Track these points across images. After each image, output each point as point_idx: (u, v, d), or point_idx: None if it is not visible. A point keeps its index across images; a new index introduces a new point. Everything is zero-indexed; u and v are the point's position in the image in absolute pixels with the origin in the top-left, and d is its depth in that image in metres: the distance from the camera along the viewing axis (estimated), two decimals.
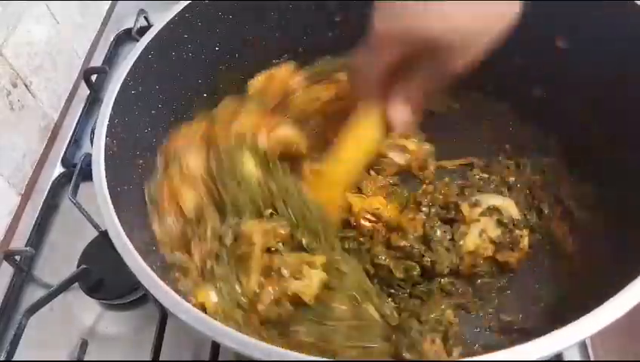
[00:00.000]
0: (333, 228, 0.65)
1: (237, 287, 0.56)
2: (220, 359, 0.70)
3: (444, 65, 0.50)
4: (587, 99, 0.67)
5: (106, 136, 0.59)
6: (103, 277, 0.80)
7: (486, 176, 0.78)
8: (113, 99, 0.62)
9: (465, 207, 0.69)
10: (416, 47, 0.49)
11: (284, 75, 0.75)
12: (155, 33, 0.69)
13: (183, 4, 0.71)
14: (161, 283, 0.47)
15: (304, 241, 0.60)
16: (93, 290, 0.79)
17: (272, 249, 0.59)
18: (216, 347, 0.71)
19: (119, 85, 0.63)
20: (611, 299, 0.41)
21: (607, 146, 0.65)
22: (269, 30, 0.84)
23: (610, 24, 0.61)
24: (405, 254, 0.68)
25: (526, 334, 0.51)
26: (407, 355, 0.56)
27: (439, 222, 0.70)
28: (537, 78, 0.72)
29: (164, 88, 0.72)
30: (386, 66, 0.53)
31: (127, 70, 0.65)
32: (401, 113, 0.56)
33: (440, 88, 0.54)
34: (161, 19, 0.70)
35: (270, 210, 0.62)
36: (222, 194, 0.62)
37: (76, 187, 0.89)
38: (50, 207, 0.94)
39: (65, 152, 1.01)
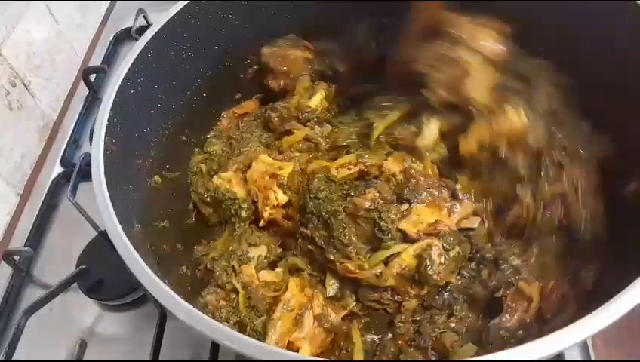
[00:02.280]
0: None
1: None
2: (219, 359, 0.70)
3: None
4: (581, 97, 0.67)
5: (105, 136, 0.59)
6: (102, 277, 0.79)
7: None
8: (112, 98, 0.62)
9: None
10: None
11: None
12: (154, 32, 0.69)
13: (182, 4, 0.71)
14: (161, 283, 0.47)
15: None
16: (92, 291, 0.79)
17: None
18: (216, 347, 0.71)
19: (118, 85, 0.63)
20: (612, 300, 0.41)
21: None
22: (269, 30, 0.84)
23: (611, 24, 0.61)
24: None
25: None
26: None
27: None
28: None
29: (164, 88, 0.72)
30: None
31: (127, 69, 0.65)
32: None
33: None
34: (160, 19, 0.70)
35: None
36: None
37: (75, 187, 0.89)
38: (49, 207, 0.93)
39: (64, 152, 1.00)
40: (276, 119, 0.82)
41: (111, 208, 0.53)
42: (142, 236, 0.60)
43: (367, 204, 0.64)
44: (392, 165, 0.70)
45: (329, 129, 0.82)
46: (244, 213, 0.75)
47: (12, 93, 0.94)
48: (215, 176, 0.77)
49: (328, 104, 0.84)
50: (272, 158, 0.76)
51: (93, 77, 1.10)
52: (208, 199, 0.76)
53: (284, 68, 0.84)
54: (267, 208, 0.73)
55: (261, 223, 0.74)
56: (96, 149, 0.58)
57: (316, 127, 0.82)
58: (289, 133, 0.82)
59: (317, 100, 0.83)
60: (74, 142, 1.02)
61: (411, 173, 0.68)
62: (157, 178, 0.72)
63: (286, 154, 0.79)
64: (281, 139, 0.82)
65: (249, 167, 0.77)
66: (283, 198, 0.73)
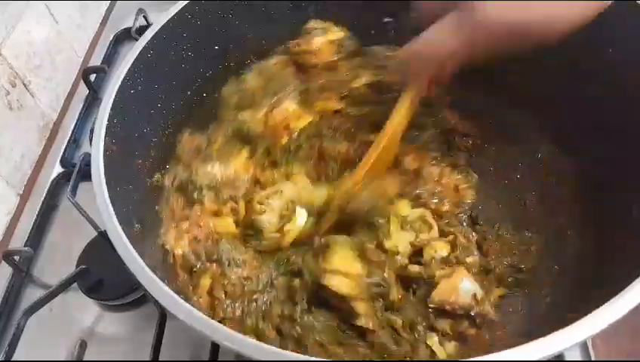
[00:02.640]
0: None
1: None
2: (219, 359, 0.70)
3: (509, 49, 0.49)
4: (582, 97, 0.67)
5: (105, 136, 0.59)
6: (102, 277, 0.79)
7: None
8: (112, 98, 0.62)
9: None
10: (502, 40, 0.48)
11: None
12: (154, 32, 0.69)
13: (182, 4, 0.71)
14: (161, 283, 0.47)
15: None
16: (92, 291, 0.79)
17: None
18: (216, 347, 0.71)
19: (118, 85, 0.63)
20: (612, 300, 0.41)
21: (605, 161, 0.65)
22: (269, 30, 0.84)
23: (611, 24, 0.61)
24: None
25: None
26: None
27: None
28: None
29: (164, 88, 0.72)
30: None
31: (127, 69, 0.65)
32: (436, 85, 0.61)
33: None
34: (160, 19, 0.70)
35: None
36: None
37: (75, 187, 0.89)
38: (49, 207, 0.93)
39: (64, 152, 1.00)
40: (316, 86, 0.83)
41: (111, 208, 0.53)
42: (142, 236, 0.60)
43: (332, 153, 0.73)
44: (411, 162, 0.75)
45: (364, 111, 0.82)
46: (260, 149, 0.79)
47: (12, 93, 0.94)
48: (242, 112, 0.79)
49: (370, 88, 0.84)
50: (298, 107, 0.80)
51: (93, 77, 1.10)
52: (230, 132, 0.78)
53: (313, 60, 0.83)
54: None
55: (266, 163, 0.78)
56: (96, 149, 0.58)
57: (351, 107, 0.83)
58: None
59: (359, 83, 0.83)
60: (74, 142, 1.02)
61: (423, 174, 0.70)
62: (157, 178, 0.72)
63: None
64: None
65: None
66: None
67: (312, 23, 0.84)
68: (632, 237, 0.57)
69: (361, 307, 0.60)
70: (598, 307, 0.41)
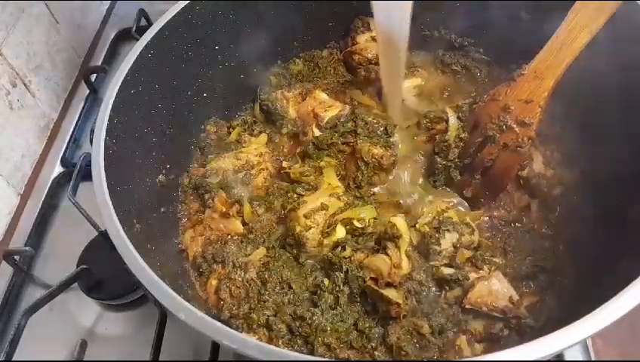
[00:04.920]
0: None
1: None
2: (219, 359, 0.70)
3: None
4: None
5: (106, 136, 0.59)
6: (102, 277, 0.79)
7: None
8: (113, 98, 0.62)
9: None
10: None
11: None
12: (154, 32, 0.69)
13: (182, 4, 0.71)
14: (161, 283, 0.47)
15: None
16: (92, 290, 0.79)
17: None
18: (216, 347, 0.71)
19: (119, 84, 0.63)
20: (612, 300, 0.42)
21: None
22: (269, 30, 0.84)
23: (612, 24, 0.61)
24: None
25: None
26: None
27: None
28: None
29: (164, 87, 0.72)
30: None
31: (127, 69, 0.65)
32: None
33: None
34: (160, 19, 0.70)
35: None
36: None
37: (76, 187, 0.89)
38: (49, 207, 0.93)
39: (64, 152, 1.00)
40: (362, 77, 0.88)
41: (111, 208, 0.53)
42: (142, 236, 0.60)
43: (366, 156, 0.74)
44: None
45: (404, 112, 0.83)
46: (284, 130, 0.83)
47: (12, 93, 0.94)
48: (279, 91, 0.85)
49: (418, 93, 0.86)
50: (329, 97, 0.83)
51: (93, 77, 1.10)
52: (264, 107, 0.84)
53: (357, 59, 0.87)
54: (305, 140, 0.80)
55: (298, 151, 0.80)
56: (97, 149, 0.58)
57: None
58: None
59: (408, 84, 0.86)
60: (74, 142, 1.02)
61: None
62: (158, 178, 0.72)
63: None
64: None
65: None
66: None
67: (357, 21, 0.87)
68: (631, 238, 0.57)
69: (394, 292, 0.62)
70: (598, 307, 0.41)
